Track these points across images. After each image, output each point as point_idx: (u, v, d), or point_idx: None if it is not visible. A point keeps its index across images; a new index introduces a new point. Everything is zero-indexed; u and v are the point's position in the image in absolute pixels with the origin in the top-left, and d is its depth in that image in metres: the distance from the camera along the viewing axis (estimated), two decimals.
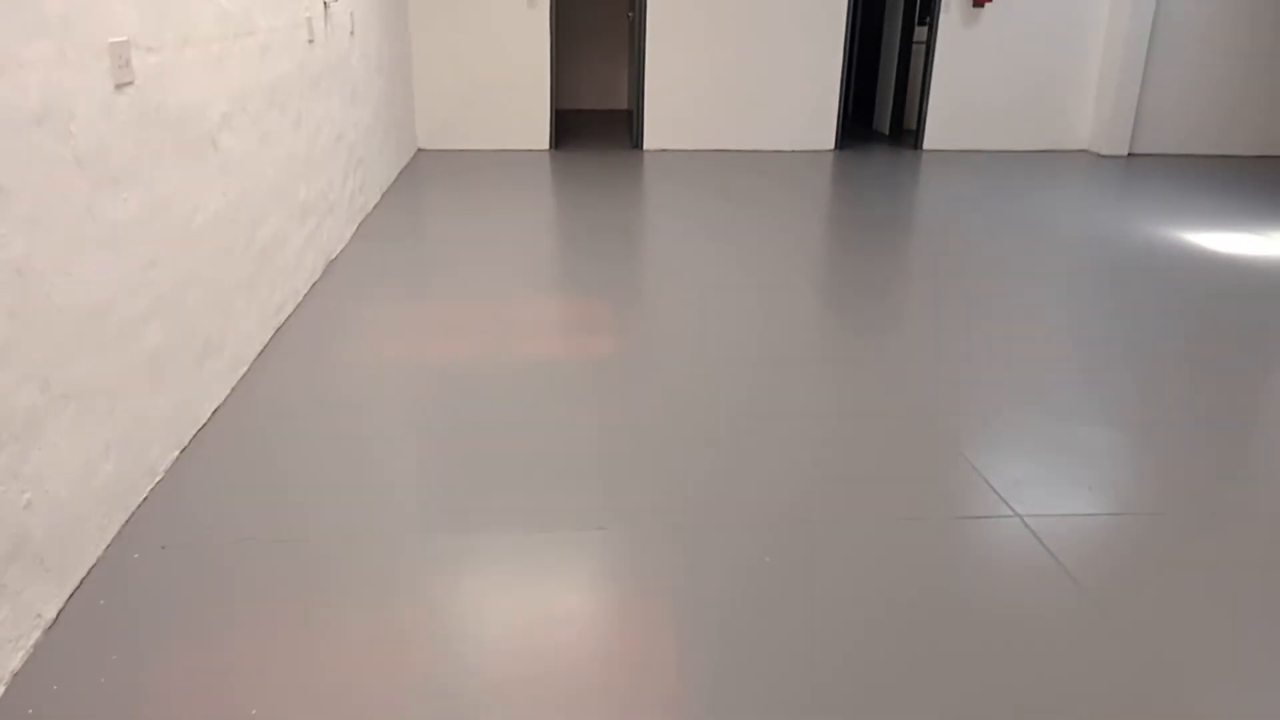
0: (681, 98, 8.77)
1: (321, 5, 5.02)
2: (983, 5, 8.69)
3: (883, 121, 10.15)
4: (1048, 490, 2.91)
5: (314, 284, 4.68)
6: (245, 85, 3.71)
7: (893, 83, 9.92)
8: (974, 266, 5.42)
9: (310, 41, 4.74)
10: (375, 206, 6.33)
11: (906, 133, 9.71)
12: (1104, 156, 9.02)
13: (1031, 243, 5.94)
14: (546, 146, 8.78)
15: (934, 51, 8.91)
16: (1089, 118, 9.21)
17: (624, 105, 11.32)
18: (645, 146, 8.91)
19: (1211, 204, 7.10)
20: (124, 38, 2.65)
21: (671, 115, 8.82)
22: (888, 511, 2.76)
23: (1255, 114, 9.15)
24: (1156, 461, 3.15)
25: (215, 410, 3.27)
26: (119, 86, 2.62)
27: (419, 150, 8.53)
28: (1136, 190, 7.63)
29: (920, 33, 9.29)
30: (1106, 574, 2.47)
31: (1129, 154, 9.10)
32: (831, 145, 9.04)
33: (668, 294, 4.87)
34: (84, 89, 2.43)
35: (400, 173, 7.48)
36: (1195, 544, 2.65)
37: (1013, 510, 2.77)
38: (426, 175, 7.60)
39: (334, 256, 5.13)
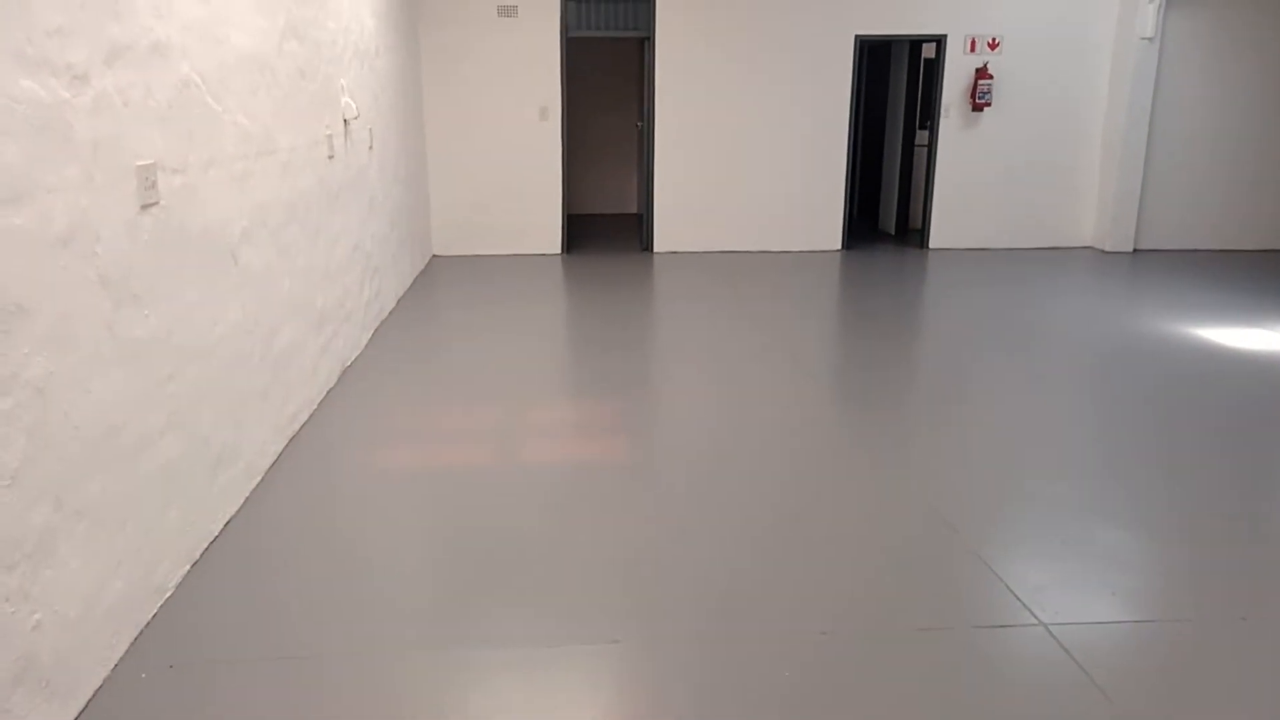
0: (690, 201, 8.97)
1: (342, 122, 5.20)
2: (981, 110, 8.93)
3: (888, 221, 10.33)
4: (1072, 596, 2.85)
5: (329, 391, 4.72)
6: (266, 201, 3.82)
7: (896, 184, 10.12)
8: (986, 366, 5.43)
9: (330, 157, 4.90)
10: (391, 312, 6.43)
11: (912, 232, 9.86)
12: (1109, 253, 9.11)
13: (1043, 341, 5.95)
14: (559, 251, 8.94)
15: (935, 154, 9.12)
16: (1092, 215, 9.35)
17: (634, 209, 11.58)
18: (655, 249, 9.06)
19: (1220, 299, 7.13)
20: (150, 160, 2.74)
21: (680, 218, 9.00)
22: (908, 621, 2.70)
23: (1258, 209, 9.27)
24: (1181, 565, 3.08)
25: (227, 523, 3.26)
26: (144, 207, 2.70)
27: (434, 256, 8.70)
28: (1144, 286, 7.68)
29: (922, 136, 9.53)
30: (1136, 687, 2.40)
31: (1134, 250, 9.20)
32: (838, 245, 9.18)
33: (679, 398, 4.88)
34: (110, 211, 2.50)
35: (416, 279, 7.61)
36: (1227, 653, 2.57)
37: (1036, 618, 2.71)
38: (441, 281, 7.73)
39: (349, 363, 5.18)
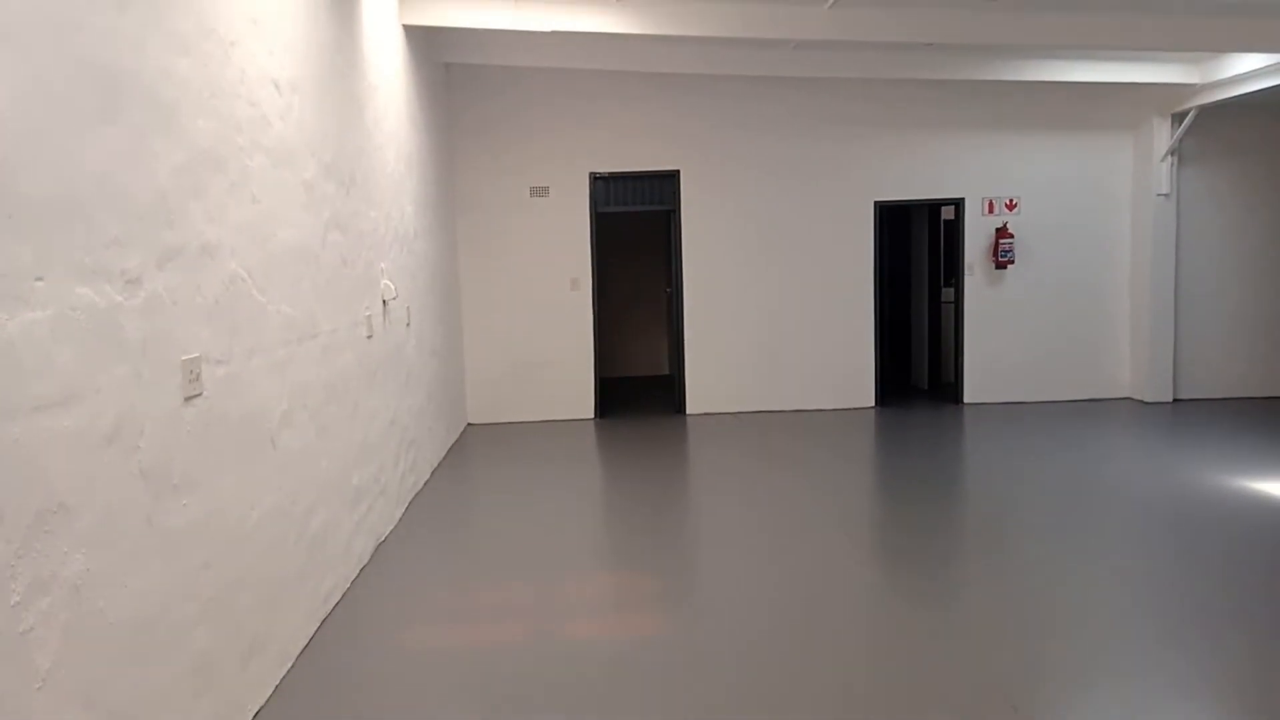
0: (721, 362, 9.08)
1: (381, 303, 5.40)
2: (1005, 267, 9.08)
3: (920, 376, 10.35)
4: None
5: (362, 568, 4.69)
6: (306, 384, 3.92)
7: (926, 339, 10.20)
8: (1036, 526, 5.29)
9: (369, 337, 5.06)
10: (425, 484, 6.45)
11: (946, 386, 9.85)
12: (1149, 404, 9.01)
13: (1088, 497, 5.81)
14: (592, 415, 9.02)
15: (963, 311, 9.22)
16: (1127, 366, 9.31)
17: (666, 370, 11.72)
18: (688, 410, 9.12)
19: (1270, 449, 6.97)
20: (196, 354, 2.85)
21: (712, 379, 9.09)
22: None
23: None
24: None
25: (257, 712, 3.18)
26: (188, 399, 2.79)
27: (468, 425, 8.81)
28: (1189, 438, 7.54)
29: (947, 293, 9.67)
30: None
31: (1174, 399, 9.09)
32: (872, 402, 9.18)
33: (716, 565, 4.79)
34: (155, 405, 2.58)
35: (450, 448, 7.68)
36: None
37: None
38: (475, 450, 7.79)
39: (383, 539, 5.17)
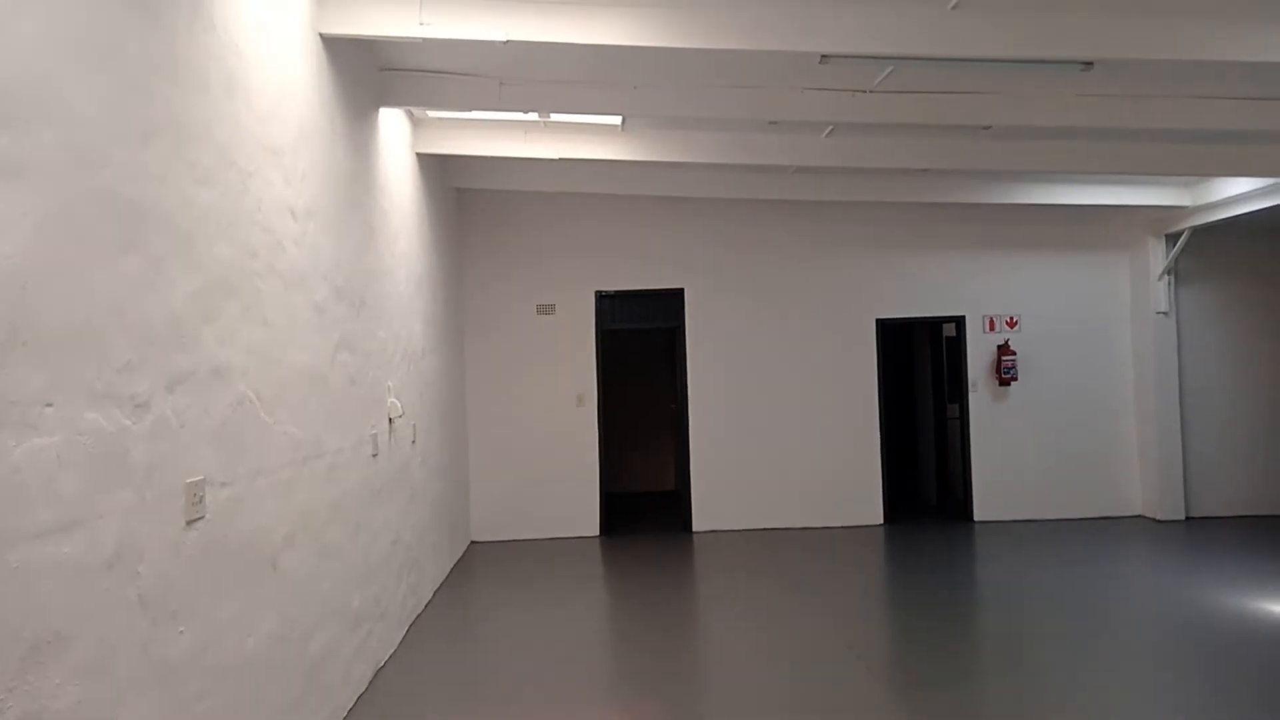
0: (727, 479, 9.01)
1: (387, 421, 5.42)
2: (1008, 385, 9.11)
3: (929, 493, 10.24)
4: None
5: (360, 696, 4.55)
6: (310, 505, 3.90)
7: (934, 456, 10.14)
8: (1047, 652, 5.14)
9: (374, 455, 5.05)
10: (427, 605, 6.33)
11: (955, 503, 9.73)
12: (1161, 522, 8.88)
13: (1106, 623, 5.67)
14: (597, 533, 8.91)
15: (969, 427, 9.20)
16: (1138, 483, 9.22)
17: (673, 485, 11.63)
18: (695, 528, 9.00)
19: None
20: (200, 477, 2.85)
21: (718, 496, 9.01)
22: None
23: None
24: None
25: None
26: (190, 523, 2.77)
27: (472, 542, 8.70)
28: (1204, 558, 7.41)
29: (952, 409, 9.67)
30: None
31: (1187, 518, 8.96)
32: (880, 519, 9.06)
33: (727, 693, 4.64)
34: (157, 530, 2.57)
35: (453, 568, 7.56)
36: None
37: None
38: (479, 569, 7.67)
39: (382, 664, 5.04)
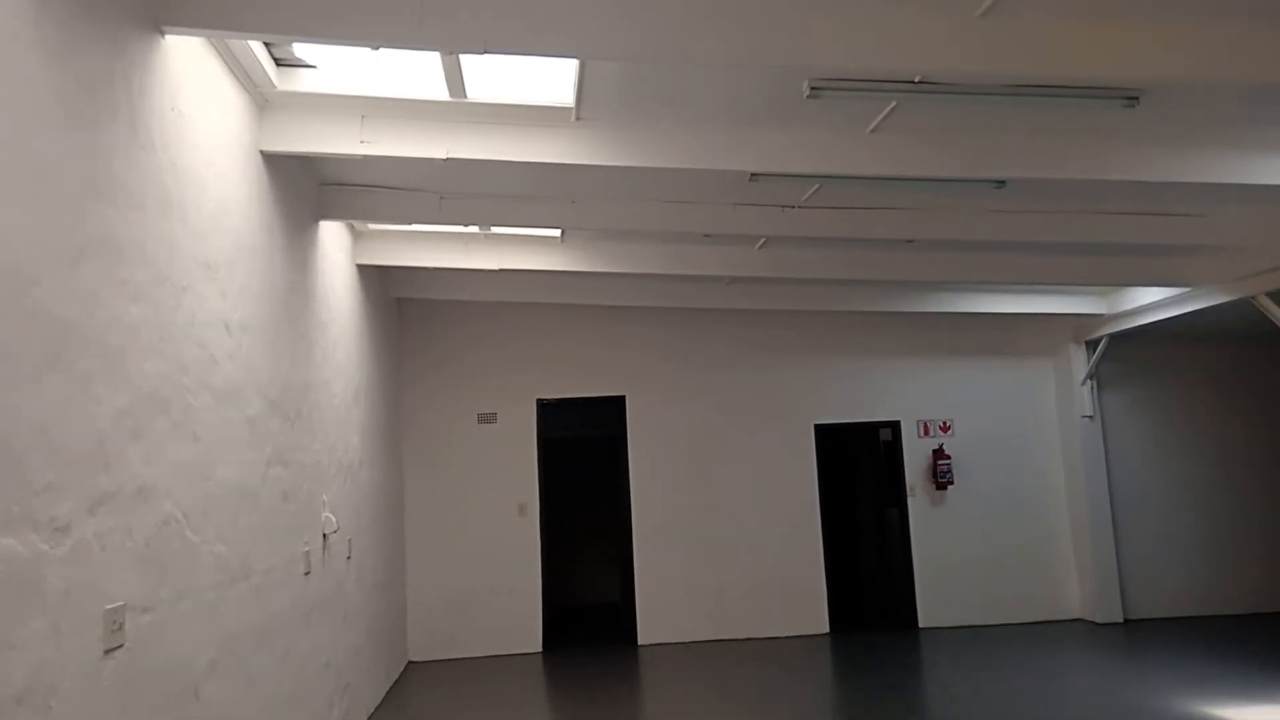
0: (671, 591, 8.89)
1: (321, 537, 5.28)
2: (945, 489, 9.24)
3: (873, 599, 10.21)
4: None
5: None
6: (237, 628, 3.75)
7: (875, 562, 10.15)
8: None
9: (307, 574, 4.90)
10: None
11: (899, 610, 9.69)
12: (1100, 625, 8.96)
13: None
14: (540, 649, 8.66)
15: (909, 532, 9.27)
16: (1076, 586, 9.32)
17: (617, 596, 11.41)
18: (640, 641, 8.81)
19: (1222, 672, 6.93)
20: (120, 602, 2.73)
21: (663, 607, 8.86)
22: None
23: (1237, 573, 9.31)
24: None
25: None
26: (108, 651, 2.64)
27: (409, 663, 8.38)
28: (1142, 661, 7.46)
29: (893, 514, 9.74)
30: None
31: (1124, 620, 9.05)
32: (826, 628, 8.98)
33: None
34: (72, 660, 2.45)
35: (388, 692, 7.25)
36: None
37: None
38: (415, 692, 7.37)
39: None
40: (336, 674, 5.50)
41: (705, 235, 6.54)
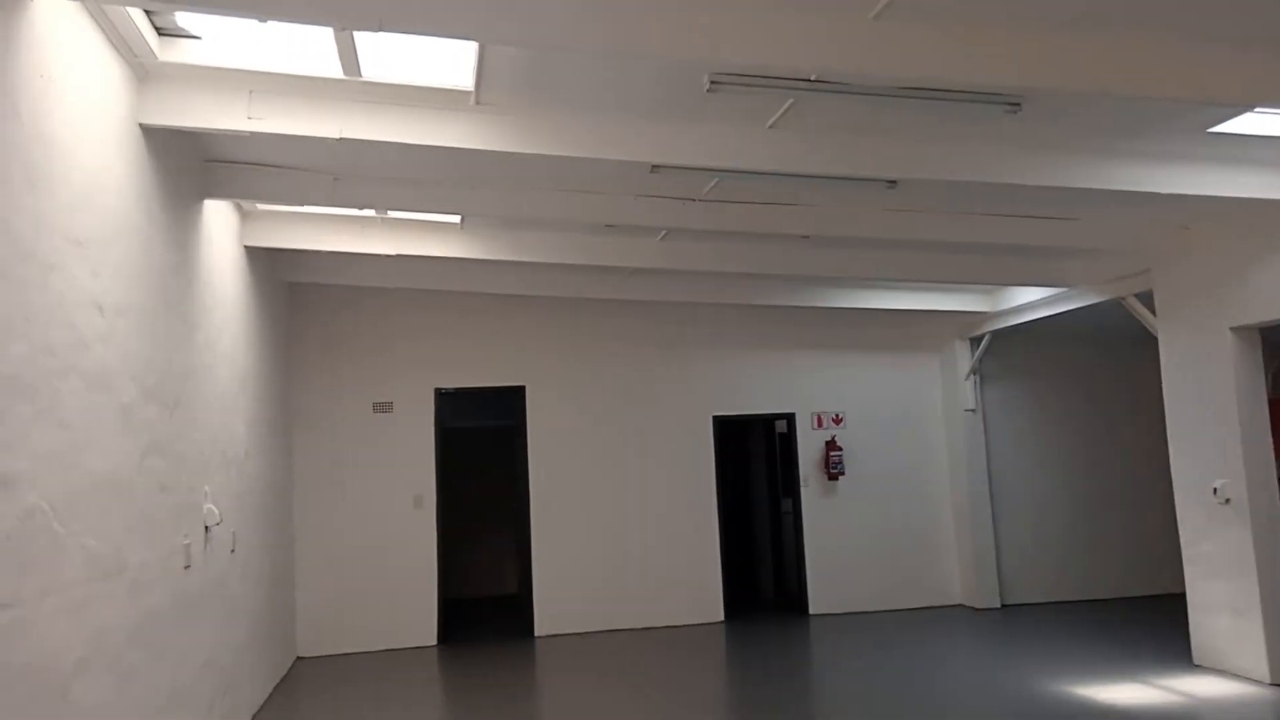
0: (569, 581, 8.88)
1: (203, 529, 5.07)
2: (836, 479, 9.50)
3: (767, 588, 10.42)
4: None
5: None
6: (108, 625, 3.57)
7: (769, 551, 10.37)
8: None
9: (187, 567, 4.70)
10: None
11: (791, 598, 9.93)
12: (979, 610, 9.35)
13: (927, 708, 5.86)
14: (435, 642, 8.54)
15: (802, 521, 9.49)
16: (957, 573, 9.71)
17: (515, 589, 11.34)
18: (537, 632, 8.78)
19: (1090, 652, 7.33)
20: None
21: (561, 598, 8.85)
22: None
23: (1104, 559, 9.84)
24: None
25: None
26: None
27: (298, 658, 8.14)
28: (1016, 644, 7.83)
29: (787, 504, 9.95)
30: None
31: (1002, 605, 9.47)
32: (720, 616, 9.13)
33: None
34: None
35: (274, 689, 7.03)
36: None
37: None
38: (304, 689, 7.16)
39: None
40: (218, 672, 5.30)
41: (607, 225, 6.54)
